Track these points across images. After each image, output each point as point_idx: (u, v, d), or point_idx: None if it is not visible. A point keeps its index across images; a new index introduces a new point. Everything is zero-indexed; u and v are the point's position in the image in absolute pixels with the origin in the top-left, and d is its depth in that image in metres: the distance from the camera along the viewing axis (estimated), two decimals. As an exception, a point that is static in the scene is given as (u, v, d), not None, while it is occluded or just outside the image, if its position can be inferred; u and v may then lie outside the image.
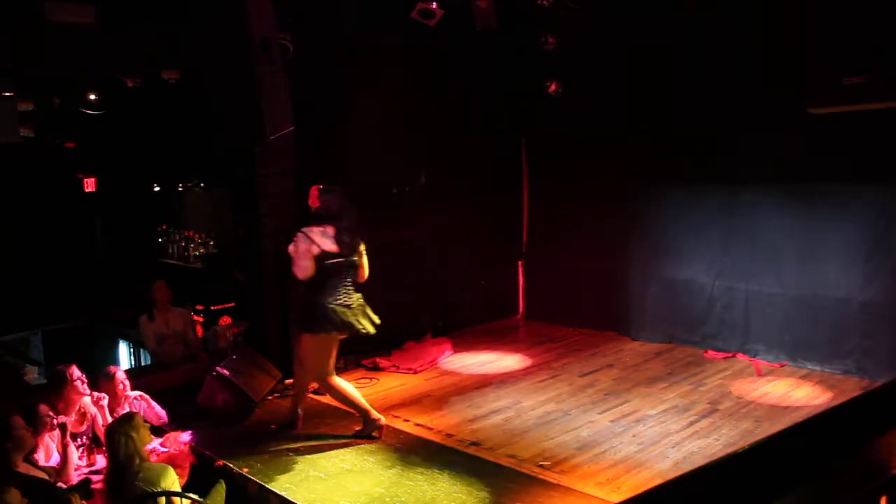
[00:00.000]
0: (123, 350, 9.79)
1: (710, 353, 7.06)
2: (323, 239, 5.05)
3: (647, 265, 7.65)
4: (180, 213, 11.72)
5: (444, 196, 8.01)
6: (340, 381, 5.32)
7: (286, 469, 4.81)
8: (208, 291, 9.25)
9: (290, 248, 5.09)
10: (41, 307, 10.03)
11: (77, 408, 4.78)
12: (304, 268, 5.01)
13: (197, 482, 4.47)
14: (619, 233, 7.83)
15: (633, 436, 5.23)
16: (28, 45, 5.59)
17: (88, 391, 4.80)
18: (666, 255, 7.50)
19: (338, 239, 5.08)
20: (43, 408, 4.45)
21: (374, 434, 5.25)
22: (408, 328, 7.77)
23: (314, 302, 5.09)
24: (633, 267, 7.76)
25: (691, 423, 5.40)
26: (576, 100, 7.61)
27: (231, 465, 4.85)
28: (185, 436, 5.01)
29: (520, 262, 9.04)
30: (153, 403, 5.26)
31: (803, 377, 6.32)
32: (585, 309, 8.19)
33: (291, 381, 5.77)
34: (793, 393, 6.00)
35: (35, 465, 4.23)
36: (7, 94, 6.17)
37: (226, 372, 5.69)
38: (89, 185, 11.46)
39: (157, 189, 11.74)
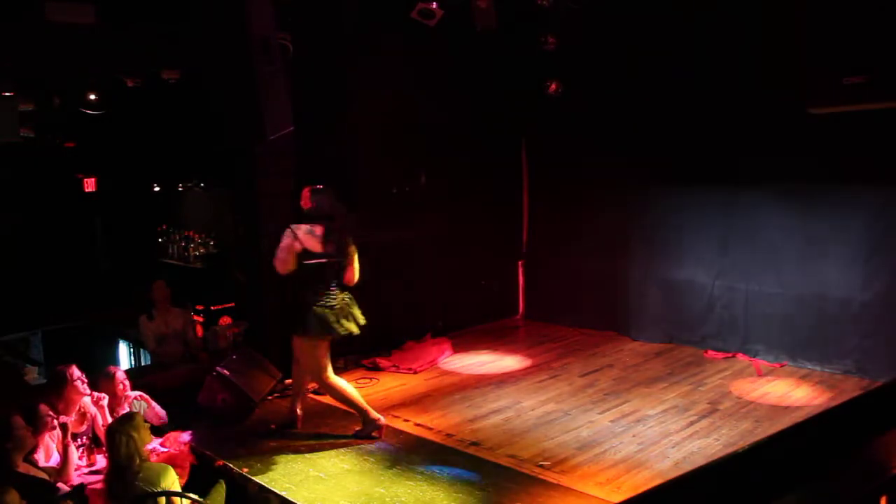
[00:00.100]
0: (123, 350, 9.79)
1: (710, 353, 7.06)
2: (308, 237, 5.04)
3: (647, 265, 7.65)
4: (180, 213, 11.72)
5: (444, 196, 8.01)
6: (339, 381, 5.31)
7: (286, 469, 4.81)
8: (208, 291, 9.25)
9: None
10: (41, 307, 10.04)
11: (77, 408, 4.78)
12: (281, 261, 5.03)
13: (197, 482, 4.48)
14: (619, 233, 7.83)
15: (633, 436, 5.23)
16: (28, 46, 5.59)
17: (88, 391, 4.80)
18: (666, 255, 7.50)
19: (325, 239, 5.07)
20: (43, 408, 4.44)
21: (374, 434, 5.25)
22: (408, 328, 7.78)
23: (299, 303, 5.10)
24: (633, 267, 7.76)
25: (691, 423, 5.40)
26: (576, 100, 7.62)
27: (231, 465, 4.85)
28: (185, 436, 5.00)
29: (520, 263, 9.04)
30: (153, 403, 5.26)
31: (803, 377, 6.33)
32: (585, 309, 8.19)
33: (291, 381, 5.77)
34: (793, 393, 6.00)
35: (35, 465, 4.23)
36: (7, 94, 6.18)
37: (226, 372, 5.69)
38: (89, 185, 11.48)
39: (157, 189, 11.75)
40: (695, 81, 6.88)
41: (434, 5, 6.27)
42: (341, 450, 5.10)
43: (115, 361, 9.39)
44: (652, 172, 7.45)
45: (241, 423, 5.61)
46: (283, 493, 4.46)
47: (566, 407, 5.85)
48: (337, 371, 5.42)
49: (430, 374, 6.88)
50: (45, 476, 4.17)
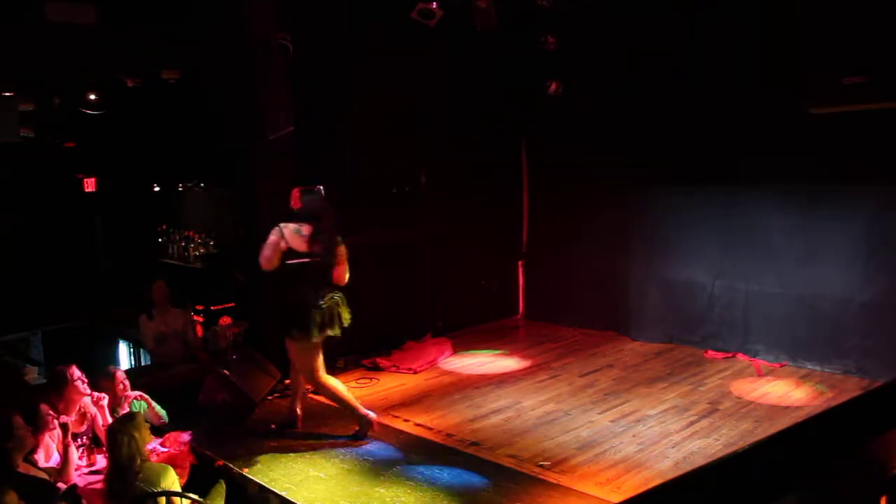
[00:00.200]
0: (123, 350, 9.79)
1: (710, 353, 7.06)
2: (294, 236, 5.04)
3: (647, 265, 7.65)
4: (180, 213, 11.71)
5: (443, 196, 8.01)
6: (330, 380, 5.31)
7: (286, 469, 4.81)
8: (208, 291, 9.25)
9: None
10: (41, 307, 10.03)
11: (77, 408, 4.78)
12: (266, 258, 5.03)
13: (197, 482, 4.48)
14: (619, 233, 7.83)
15: (633, 436, 5.23)
16: (28, 46, 5.59)
17: (89, 391, 4.80)
18: (666, 255, 7.50)
19: (312, 239, 5.06)
20: (43, 408, 4.44)
21: (367, 431, 5.24)
22: (408, 328, 7.78)
23: (288, 304, 5.10)
24: (633, 267, 7.76)
25: (691, 423, 5.40)
26: (576, 100, 7.62)
27: (231, 465, 4.85)
28: (185, 436, 5.01)
29: (520, 263, 9.04)
30: (153, 403, 5.26)
31: (803, 377, 6.33)
32: (585, 309, 8.19)
33: (290, 381, 5.76)
34: (793, 393, 6.00)
35: (35, 465, 4.23)
36: (7, 94, 6.19)
37: (226, 372, 5.69)
38: (89, 185, 11.49)
39: (157, 189, 11.75)
40: (695, 81, 6.88)
41: (434, 5, 6.27)
42: (341, 450, 5.09)
43: (115, 361, 9.39)
44: (652, 172, 7.45)
45: (241, 423, 5.61)
46: (283, 493, 4.46)
47: (566, 407, 5.85)
48: (336, 371, 5.43)
49: (430, 374, 6.88)
50: (45, 476, 4.17)
